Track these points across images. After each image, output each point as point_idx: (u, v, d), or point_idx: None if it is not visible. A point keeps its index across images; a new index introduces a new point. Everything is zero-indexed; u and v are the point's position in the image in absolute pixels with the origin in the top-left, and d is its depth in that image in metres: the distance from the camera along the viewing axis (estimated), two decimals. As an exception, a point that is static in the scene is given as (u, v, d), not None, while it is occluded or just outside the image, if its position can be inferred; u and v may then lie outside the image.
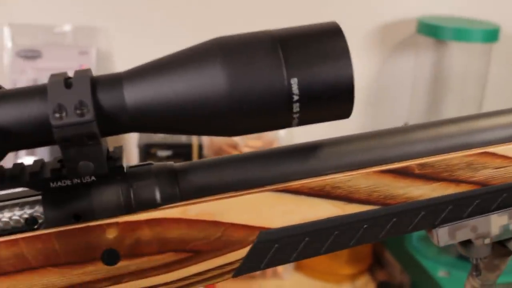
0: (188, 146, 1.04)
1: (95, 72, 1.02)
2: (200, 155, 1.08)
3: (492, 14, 1.25)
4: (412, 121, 1.26)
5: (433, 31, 1.18)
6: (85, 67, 1.10)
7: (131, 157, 1.18)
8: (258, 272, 1.14)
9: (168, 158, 1.05)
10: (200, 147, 1.07)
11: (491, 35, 1.15)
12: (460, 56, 1.24)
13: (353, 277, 1.20)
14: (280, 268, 1.16)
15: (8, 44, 1.16)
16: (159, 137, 1.04)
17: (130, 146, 1.18)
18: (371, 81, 1.32)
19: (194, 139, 1.06)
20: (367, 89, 1.30)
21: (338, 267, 1.18)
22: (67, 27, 1.18)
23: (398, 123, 1.26)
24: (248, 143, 1.15)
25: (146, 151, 1.03)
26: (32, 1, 1.18)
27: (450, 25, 1.16)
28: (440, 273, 1.04)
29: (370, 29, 1.29)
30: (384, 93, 1.34)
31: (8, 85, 1.11)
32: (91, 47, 1.16)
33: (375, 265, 1.23)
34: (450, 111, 1.27)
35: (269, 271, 1.17)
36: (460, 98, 1.25)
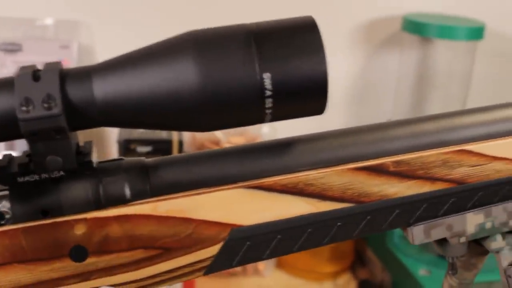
0: (169, 142, 1.04)
1: (76, 66, 1.02)
2: (181, 152, 1.07)
3: (477, 12, 1.25)
4: (396, 119, 1.26)
5: (418, 28, 1.18)
6: (66, 61, 1.11)
7: (111, 153, 1.17)
8: (239, 269, 1.15)
9: (148, 154, 1.05)
10: (181, 143, 1.06)
11: (476, 32, 1.15)
12: (445, 53, 1.24)
13: (334, 275, 1.20)
14: (261, 266, 1.17)
15: (-12, 37, 1.15)
16: (138, 133, 1.04)
17: (110, 141, 1.18)
18: (356, 78, 1.32)
19: (175, 135, 1.06)
20: (351, 86, 1.30)
21: (319, 265, 1.18)
22: (48, 21, 1.17)
23: (382, 120, 1.26)
24: (231, 139, 1.15)
25: (126, 146, 1.03)
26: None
27: (435, 22, 1.16)
28: (421, 272, 1.05)
29: (355, 26, 1.29)
30: (368, 90, 1.35)
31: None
32: (72, 41, 1.16)
33: (356, 263, 1.24)
34: (434, 109, 1.27)
35: (250, 268, 1.17)
36: (445, 96, 1.26)
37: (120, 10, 1.20)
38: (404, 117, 1.23)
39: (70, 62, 1.13)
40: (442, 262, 1.03)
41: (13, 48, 1.13)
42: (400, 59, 1.31)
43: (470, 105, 1.26)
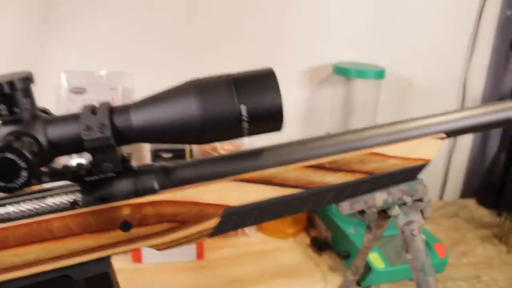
0: (183, 150, 1.04)
1: (121, 102, 1.00)
2: (191, 156, 1.07)
3: (380, 60, 1.25)
4: (331, 131, 1.25)
5: (343, 71, 1.18)
6: (114, 99, 1.10)
7: (146, 158, 1.16)
8: (232, 232, 1.14)
9: (170, 158, 1.04)
10: (191, 151, 1.06)
11: (380, 74, 1.16)
12: (361, 88, 1.24)
13: (294, 234, 1.20)
14: (247, 229, 1.16)
15: (65, 84, 1.14)
16: (163, 145, 1.04)
17: (145, 151, 1.17)
18: (303, 105, 1.32)
19: (187, 146, 1.06)
20: (300, 110, 1.30)
21: (285, 227, 1.18)
22: (103, 72, 1.16)
23: (321, 133, 1.25)
24: (224, 146, 1.14)
25: (155, 154, 1.02)
26: (79, 55, 1.17)
27: (353, 67, 1.17)
28: (350, 230, 1.04)
29: (302, 69, 1.29)
30: (311, 113, 1.34)
31: (64, 111, 1.09)
32: (119, 85, 1.15)
33: (308, 226, 1.23)
34: (354, 125, 1.27)
35: (240, 231, 1.17)
36: (361, 117, 1.26)
37: (151, 64, 1.19)
38: (336, 129, 1.23)
39: (117, 100, 1.12)
40: (364, 224, 1.04)
41: (80, 91, 1.12)
42: (332, 92, 1.31)
43: (378, 121, 1.28)
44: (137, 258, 1.02)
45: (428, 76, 1.36)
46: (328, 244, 1.12)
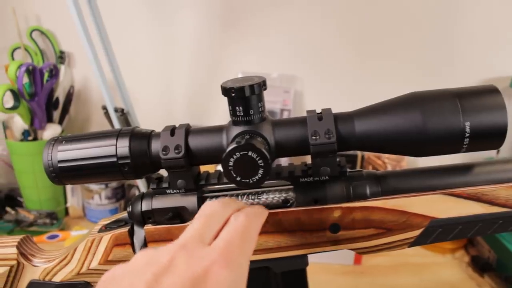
0: (355, 156, 1.05)
1: (292, 105, 1.03)
2: (363, 160, 1.08)
3: None
4: (502, 149, 1.18)
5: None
6: (286, 101, 1.14)
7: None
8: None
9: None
10: (363, 157, 1.06)
11: None
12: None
13: (453, 250, 1.15)
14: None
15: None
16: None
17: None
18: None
19: (358, 152, 1.07)
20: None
21: (444, 242, 1.14)
22: (275, 75, 1.21)
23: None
24: (385, 155, 1.13)
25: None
26: (254, 58, 1.22)
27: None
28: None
29: (477, 82, 1.23)
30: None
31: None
32: (291, 88, 1.19)
33: (468, 243, 1.18)
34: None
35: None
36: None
37: (320, 71, 1.22)
38: (508, 147, 1.15)
39: (289, 101, 1.16)
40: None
41: (255, 92, 1.18)
42: (508, 106, 1.24)
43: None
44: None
45: None
46: (491, 265, 1.07)
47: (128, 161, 0.46)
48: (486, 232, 0.49)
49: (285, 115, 1.14)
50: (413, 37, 1.19)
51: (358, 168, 1.11)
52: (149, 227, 0.48)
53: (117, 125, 1.07)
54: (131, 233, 0.50)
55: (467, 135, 0.41)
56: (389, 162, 1.13)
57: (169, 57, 1.24)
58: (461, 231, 0.48)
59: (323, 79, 1.22)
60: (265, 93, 1.02)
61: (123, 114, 1.06)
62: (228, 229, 0.38)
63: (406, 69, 1.20)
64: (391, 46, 1.19)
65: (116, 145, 0.46)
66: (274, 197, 0.48)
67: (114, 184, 1.22)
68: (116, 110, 1.05)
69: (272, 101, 1.16)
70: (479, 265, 1.07)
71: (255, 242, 0.39)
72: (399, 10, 1.16)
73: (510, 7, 1.16)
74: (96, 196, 1.20)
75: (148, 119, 1.20)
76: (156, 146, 0.47)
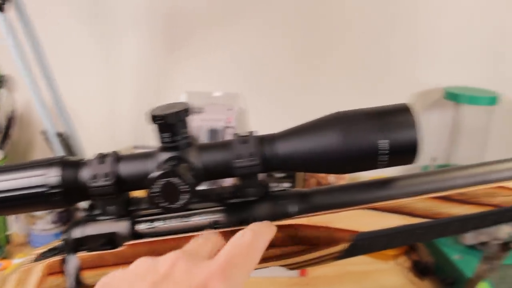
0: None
1: (235, 122, 1.04)
2: (304, 177, 1.09)
3: (492, 84, 1.22)
4: (437, 158, 1.23)
5: (453, 97, 1.16)
6: (230, 118, 1.15)
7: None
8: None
9: (282, 178, 1.07)
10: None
11: (493, 100, 1.12)
12: (471, 114, 1.21)
13: (395, 257, 1.18)
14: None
15: (184, 104, 1.20)
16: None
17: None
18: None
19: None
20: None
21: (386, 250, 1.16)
22: (218, 93, 1.21)
23: (427, 157, 1.23)
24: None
25: (268, 173, 1.05)
26: (198, 78, 1.23)
27: (465, 93, 1.14)
28: (455, 257, 1.02)
29: (409, 94, 1.28)
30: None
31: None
32: (234, 106, 1.20)
33: (409, 249, 1.21)
34: (462, 152, 1.24)
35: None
36: (471, 144, 1.22)
37: (263, 88, 1.23)
38: (442, 155, 1.20)
39: (232, 119, 1.16)
40: (470, 251, 1.01)
41: (199, 111, 1.18)
42: (440, 117, 1.29)
43: (489, 149, 1.24)
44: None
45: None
46: (430, 269, 1.10)
47: (58, 190, 0.45)
48: (411, 241, 0.51)
49: (229, 133, 1.15)
50: (352, 53, 1.23)
51: (297, 185, 1.13)
52: (82, 254, 0.48)
53: (57, 150, 1.05)
54: (65, 261, 0.50)
55: (384, 152, 0.43)
56: (332, 174, 1.15)
57: (112, 79, 1.24)
58: (388, 243, 0.50)
59: (266, 95, 1.24)
60: (209, 111, 1.01)
61: (62, 138, 1.05)
62: (231, 244, 0.38)
63: (346, 83, 1.24)
64: (331, 62, 1.23)
65: (45, 175, 0.45)
66: (204, 218, 0.48)
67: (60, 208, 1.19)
68: (57, 134, 1.04)
69: (215, 119, 1.16)
70: (419, 270, 1.10)
71: (258, 259, 0.39)
72: (339, 27, 1.20)
73: (443, 21, 1.22)
74: (40, 221, 1.17)
75: (92, 142, 1.19)
76: (85, 174, 0.46)
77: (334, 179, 1.17)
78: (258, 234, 0.41)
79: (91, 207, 0.50)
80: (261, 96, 1.23)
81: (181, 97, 1.18)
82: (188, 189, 0.41)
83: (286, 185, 1.09)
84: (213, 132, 1.15)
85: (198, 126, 1.16)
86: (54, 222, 1.19)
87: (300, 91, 1.24)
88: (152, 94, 1.24)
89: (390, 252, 1.16)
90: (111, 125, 1.27)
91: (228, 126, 1.16)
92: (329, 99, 1.22)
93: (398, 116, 0.44)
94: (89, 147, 1.14)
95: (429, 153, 1.31)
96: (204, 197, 0.48)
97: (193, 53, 1.20)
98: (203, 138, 1.13)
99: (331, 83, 1.24)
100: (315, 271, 1.09)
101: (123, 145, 1.20)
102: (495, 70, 1.27)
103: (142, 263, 0.36)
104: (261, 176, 0.47)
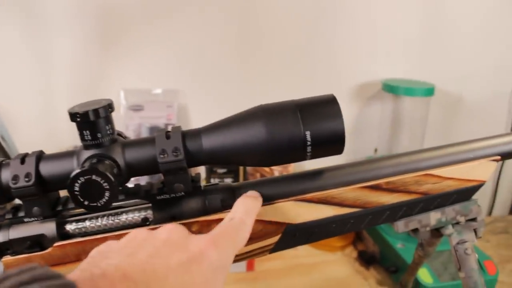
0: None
1: (176, 119, 1.03)
2: (244, 172, 1.09)
3: (428, 76, 1.25)
4: (379, 148, 1.25)
5: (391, 89, 1.18)
6: (170, 115, 1.13)
7: (201, 171, 1.20)
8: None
9: (224, 173, 1.07)
10: (244, 167, 1.08)
11: (429, 91, 1.15)
12: (410, 105, 1.24)
13: (342, 248, 1.20)
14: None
15: (123, 101, 1.18)
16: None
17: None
18: (351, 121, 1.33)
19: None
20: (348, 127, 1.30)
21: (333, 241, 1.19)
22: (159, 90, 1.20)
23: (370, 148, 1.25)
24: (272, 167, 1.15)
25: (211, 169, 1.05)
26: (136, 75, 1.21)
27: (402, 85, 1.16)
28: (398, 245, 1.04)
29: (350, 86, 1.30)
30: (359, 130, 1.34)
31: (122, 128, 1.14)
32: (174, 102, 1.18)
33: (356, 239, 1.23)
34: (403, 142, 1.27)
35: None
36: (410, 134, 1.25)
37: (203, 83, 1.22)
38: (384, 146, 1.22)
39: (173, 116, 1.15)
40: (412, 239, 1.03)
41: (138, 108, 1.16)
42: (381, 108, 1.32)
43: (426, 138, 1.27)
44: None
45: (478, 93, 1.35)
46: (375, 258, 1.12)
47: None
48: (344, 231, 0.51)
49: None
50: (292, 44, 1.23)
51: (241, 178, 1.13)
52: (7, 258, 0.46)
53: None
54: None
55: (309, 143, 0.43)
56: (276, 168, 1.16)
57: (48, 79, 1.19)
58: (318, 234, 0.51)
59: (206, 90, 1.23)
60: (149, 108, 0.99)
61: (-4, 140, 1.01)
62: (222, 225, 0.40)
63: (287, 75, 1.24)
64: (271, 53, 1.23)
65: None
66: (133, 216, 0.48)
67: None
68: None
69: (155, 116, 1.15)
70: (365, 259, 1.13)
71: (247, 234, 0.41)
72: (277, 18, 1.20)
73: (384, 15, 1.24)
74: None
75: (29, 142, 1.15)
76: (6, 175, 0.45)
77: (279, 173, 1.17)
78: (246, 215, 0.42)
79: (15, 209, 0.48)
80: (202, 91, 1.22)
81: (119, 95, 1.16)
82: (109, 187, 0.41)
83: (228, 180, 1.09)
84: (153, 130, 1.13)
85: (138, 124, 1.15)
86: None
87: (242, 85, 1.24)
88: (90, 93, 1.21)
89: (337, 243, 1.18)
90: (48, 125, 1.23)
91: (168, 123, 1.15)
92: (270, 92, 1.22)
93: (323, 107, 0.44)
94: (27, 148, 1.10)
95: (371, 144, 1.34)
96: (132, 194, 0.47)
97: (129, 50, 1.18)
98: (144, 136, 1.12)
99: (271, 77, 1.24)
100: (262, 265, 1.10)
101: (63, 145, 1.16)
102: (431, 63, 1.30)
103: (139, 234, 0.37)
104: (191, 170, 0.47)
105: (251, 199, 0.45)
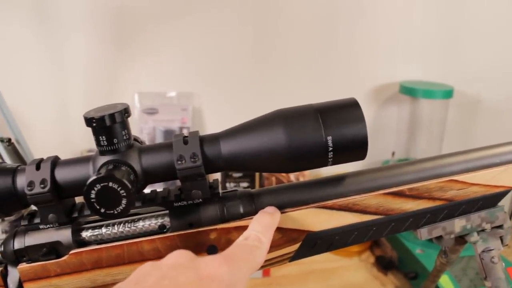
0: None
1: (191, 122, 1.02)
2: (261, 177, 1.08)
3: (446, 78, 1.24)
4: (397, 151, 1.24)
5: (409, 91, 1.17)
6: (185, 119, 1.13)
7: (217, 176, 1.19)
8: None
9: (240, 177, 1.06)
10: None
11: (448, 93, 1.14)
12: (428, 108, 1.22)
13: (359, 253, 1.19)
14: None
15: (137, 105, 1.18)
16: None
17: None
18: (368, 124, 1.31)
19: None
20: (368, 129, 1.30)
21: (350, 246, 1.17)
22: (173, 93, 1.19)
23: (388, 151, 1.24)
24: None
25: (226, 173, 1.04)
26: (151, 78, 1.20)
27: (421, 87, 1.15)
28: (417, 251, 1.03)
29: (367, 89, 1.29)
30: (378, 132, 1.33)
31: (136, 131, 1.14)
32: (189, 105, 1.18)
33: (373, 245, 1.22)
34: (420, 145, 1.25)
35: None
36: (428, 136, 1.24)
37: (218, 85, 1.22)
38: (401, 150, 1.21)
39: (187, 119, 1.15)
40: (432, 245, 1.02)
41: (152, 111, 1.16)
42: (398, 111, 1.30)
43: (445, 142, 1.25)
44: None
45: (498, 94, 1.33)
46: (394, 263, 1.11)
47: None
48: (365, 239, 0.50)
49: (185, 133, 1.13)
50: (308, 45, 1.22)
51: (257, 183, 1.12)
52: (23, 265, 0.46)
53: (4, 156, 1.01)
54: (4, 274, 0.47)
55: (330, 149, 0.42)
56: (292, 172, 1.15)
57: (63, 82, 1.20)
58: (339, 241, 0.49)
59: (221, 92, 1.22)
60: (163, 111, 0.98)
61: (10, 144, 1.01)
62: (235, 243, 0.39)
63: (303, 75, 1.24)
64: (287, 54, 1.22)
65: None
66: (150, 223, 0.47)
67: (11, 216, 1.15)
68: (2, 140, 0.99)
69: (170, 120, 1.15)
70: (383, 265, 1.11)
71: (264, 254, 0.39)
72: (295, 18, 1.19)
73: (399, 17, 1.22)
74: (-10, 232, 1.13)
75: (43, 146, 1.15)
76: (21, 181, 0.44)
77: (295, 177, 1.16)
78: (263, 233, 0.41)
79: (31, 216, 0.48)
80: (216, 94, 1.22)
81: (133, 98, 1.16)
82: (126, 194, 0.40)
83: (244, 185, 1.08)
84: (168, 133, 1.13)
85: (153, 127, 1.15)
86: (6, 232, 1.15)
87: (257, 87, 1.23)
88: (104, 96, 1.21)
89: (354, 248, 1.17)
90: (62, 129, 1.23)
91: (183, 126, 1.14)
92: (286, 94, 1.22)
93: (345, 111, 0.43)
94: (40, 152, 1.10)
95: (389, 147, 1.32)
96: (149, 201, 0.46)
97: (145, 53, 1.18)
98: (158, 140, 1.11)
99: (287, 78, 1.23)
100: (278, 271, 1.09)
101: (77, 149, 1.16)
102: (449, 65, 1.29)
103: (144, 266, 0.36)
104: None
105: (268, 216, 0.44)
